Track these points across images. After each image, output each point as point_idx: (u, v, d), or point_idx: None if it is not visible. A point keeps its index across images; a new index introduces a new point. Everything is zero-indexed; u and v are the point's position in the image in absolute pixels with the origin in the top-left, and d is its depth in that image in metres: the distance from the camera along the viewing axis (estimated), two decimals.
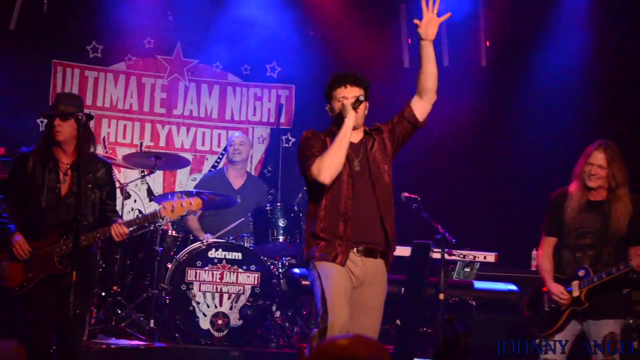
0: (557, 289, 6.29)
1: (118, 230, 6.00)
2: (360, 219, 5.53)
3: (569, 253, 6.39)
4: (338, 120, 5.57)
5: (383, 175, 5.62)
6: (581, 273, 6.26)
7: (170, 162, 9.10)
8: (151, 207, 9.96)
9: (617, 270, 6.16)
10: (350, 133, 5.49)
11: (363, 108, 5.61)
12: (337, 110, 5.60)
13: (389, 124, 5.75)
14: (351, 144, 5.58)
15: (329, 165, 5.43)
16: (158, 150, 9.85)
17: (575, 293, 6.25)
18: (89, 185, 6.01)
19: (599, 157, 6.28)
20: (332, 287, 5.44)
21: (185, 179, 10.40)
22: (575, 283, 6.26)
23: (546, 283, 6.38)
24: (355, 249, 5.52)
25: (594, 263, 6.28)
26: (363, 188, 5.56)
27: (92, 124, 9.99)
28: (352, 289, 5.55)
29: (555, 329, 6.30)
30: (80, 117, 5.76)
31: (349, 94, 5.57)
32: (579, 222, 6.34)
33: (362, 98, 5.53)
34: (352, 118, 5.49)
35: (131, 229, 6.26)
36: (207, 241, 8.25)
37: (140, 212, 9.82)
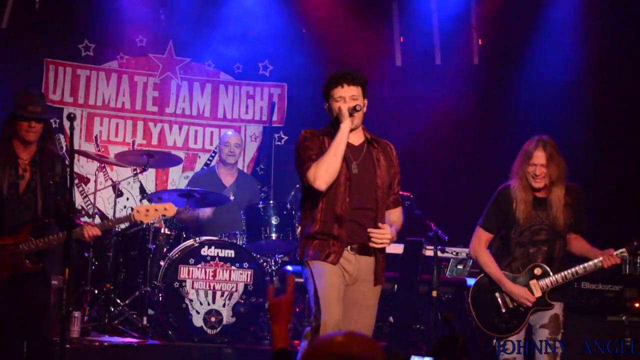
0: (523, 293, 6.20)
1: (90, 232, 6.07)
2: (355, 220, 5.53)
3: (521, 250, 6.32)
4: (336, 121, 5.56)
5: (384, 180, 5.63)
6: (538, 271, 6.24)
7: (162, 160, 9.08)
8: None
9: (584, 270, 6.21)
10: (345, 140, 5.48)
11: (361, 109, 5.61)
12: (335, 110, 5.58)
13: (396, 170, 5.77)
14: (351, 146, 5.58)
15: (324, 172, 5.42)
16: (150, 149, 9.84)
17: (538, 293, 6.21)
18: (50, 182, 6.06)
19: (540, 157, 6.23)
20: (325, 285, 5.45)
21: (177, 177, 10.40)
22: (534, 283, 6.22)
23: (504, 284, 6.25)
24: (348, 247, 5.53)
25: (548, 259, 6.28)
26: (360, 191, 5.55)
27: (84, 122, 10.13)
28: (345, 287, 5.55)
29: (520, 329, 6.26)
30: (53, 119, 5.76)
31: (346, 93, 5.55)
32: (531, 220, 6.29)
33: (358, 107, 5.53)
34: (347, 125, 5.49)
35: (103, 230, 6.42)
36: (199, 239, 8.25)
37: (132, 209, 9.78)
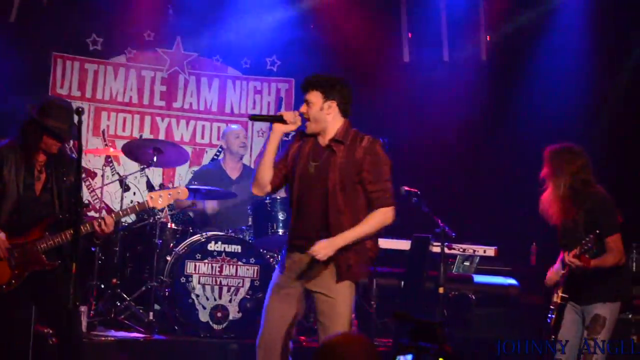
0: None
1: (103, 224, 6.00)
2: (305, 219, 5.57)
3: None
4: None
5: (335, 181, 5.51)
6: None
7: (169, 158, 8.97)
8: None
9: None
10: (270, 147, 5.62)
11: (317, 111, 5.62)
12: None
13: (367, 169, 5.53)
14: (316, 146, 5.63)
15: (253, 180, 5.70)
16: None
17: None
18: (64, 179, 6.04)
19: None
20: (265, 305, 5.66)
21: (184, 172, 10.39)
22: None
23: None
24: (295, 243, 5.61)
25: None
26: (311, 190, 5.56)
27: (92, 116, 10.13)
28: (301, 285, 5.60)
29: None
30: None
31: (309, 98, 5.70)
32: None
33: (301, 114, 5.65)
34: (273, 133, 5.63)
35: (118, 220, 6.50)
36: (206, 234, 8.25)
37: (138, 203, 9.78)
